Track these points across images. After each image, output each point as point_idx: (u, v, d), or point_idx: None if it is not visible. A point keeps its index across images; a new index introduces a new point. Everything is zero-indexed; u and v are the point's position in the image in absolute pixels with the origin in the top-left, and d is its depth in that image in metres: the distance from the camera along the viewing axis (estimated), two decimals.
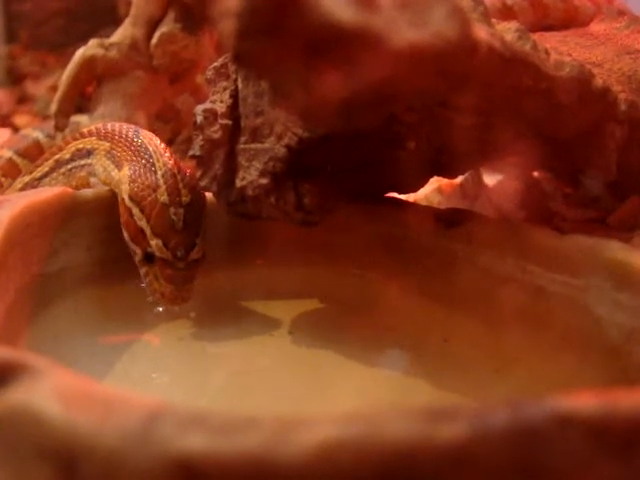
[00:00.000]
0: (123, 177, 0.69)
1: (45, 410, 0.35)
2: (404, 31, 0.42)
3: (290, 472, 0.32)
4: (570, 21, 1.06)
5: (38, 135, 1.07)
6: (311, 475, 0.32)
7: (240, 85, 0.66)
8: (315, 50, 0.41)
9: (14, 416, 0.35)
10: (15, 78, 1.82)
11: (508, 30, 0.61)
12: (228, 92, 0.67)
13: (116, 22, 1.17)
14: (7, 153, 1.01)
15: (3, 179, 0.94)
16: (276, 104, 0.54)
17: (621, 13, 1.05)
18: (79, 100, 1.08)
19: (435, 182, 1.01)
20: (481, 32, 0.51)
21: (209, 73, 0.70)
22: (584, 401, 0.34)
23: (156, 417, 0.34)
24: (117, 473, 0.33)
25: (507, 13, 1.03)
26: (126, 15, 1.10)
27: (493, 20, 0.60)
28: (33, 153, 1.02)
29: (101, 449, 0.33)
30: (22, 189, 0.78)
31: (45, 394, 0.35)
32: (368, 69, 0.42)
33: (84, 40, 1.06)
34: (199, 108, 0.68)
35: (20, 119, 1.48)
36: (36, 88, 1.71)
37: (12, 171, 0.98)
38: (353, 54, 0.41)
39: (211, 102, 0.68)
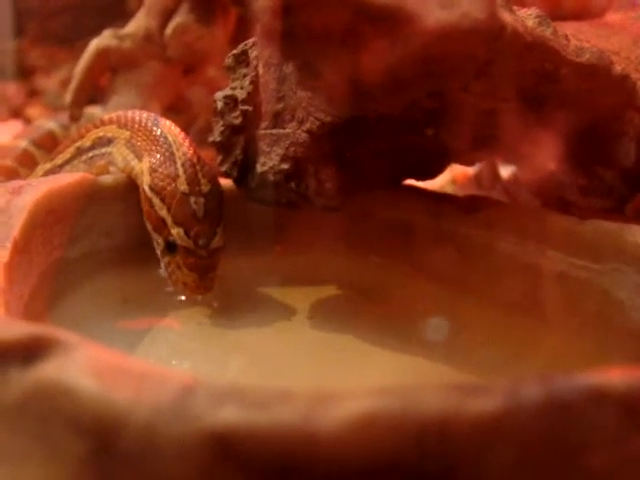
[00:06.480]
0: (143, 168, 0.69)
1: (79, 384, 0.35)
2: (435, 12, 0.43)
3: (328, 444, 0.32)
4: (582, 12, 1.05)
5: (52, 125, 1.07)
6: (349, 447, 0.32)
7: (261, 71, 0.66)
8: (350, 28, 0.41)
9: (48, 391, 0.35)
10: (25, 72, 1.82)
11: (529, 16, 0.61)
12: (248, 78, 0.68)
13: (125, 16, 1.17)
14: (22, 143, 1.02)
15: (20, 169, 0.95)
16: (303, 85, 0.54)
17: (634, 4, 1.05)
18: (93, 91, 1.08)
19: (449, 173, 1.01)
20: (506, 16, 0.51)
21: (228, 60, 0.70)
22: (616, 377, 0.34)
23: (190, 391, 0.34)
24: (152, 446, 0.33)
25: (519, 4, 1.03)
26: (135, 9, 1.10)
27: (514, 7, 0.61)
28: (48, 143, 1.03)
29: (136, 423, 0.33)
30: (44, 176, 0.78)
31: (79, 368, 0.35)
32: (401, 49, 0.42)
33: (93, 34, 1.06)
34: (219, 94, 0.69)
35: (32, 111, 1.49)
36: (46, 82, 1.71)
37: (28, 161, 0.99)
38: (387, 33, 0.42)
39: (231, 89, 0.68)
